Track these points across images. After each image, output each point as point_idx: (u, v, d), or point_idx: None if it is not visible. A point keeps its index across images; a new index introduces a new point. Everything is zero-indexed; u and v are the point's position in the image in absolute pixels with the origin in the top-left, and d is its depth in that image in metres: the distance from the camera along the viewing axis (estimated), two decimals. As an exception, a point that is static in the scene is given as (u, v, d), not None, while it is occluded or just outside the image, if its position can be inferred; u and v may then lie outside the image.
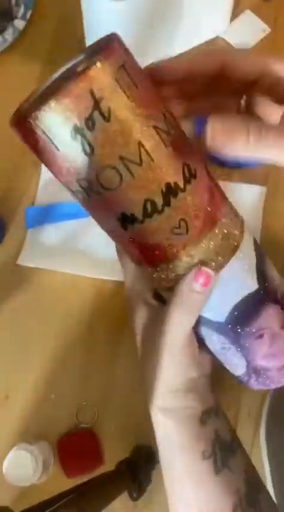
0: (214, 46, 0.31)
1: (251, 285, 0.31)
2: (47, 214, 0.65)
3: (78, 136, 0.25)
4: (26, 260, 0.64)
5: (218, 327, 0.32)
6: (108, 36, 0.28)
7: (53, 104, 0.24)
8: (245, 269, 0.31)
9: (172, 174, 0.27)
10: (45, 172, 0.67)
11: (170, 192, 0.27)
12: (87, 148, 0.25)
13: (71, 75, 0.25)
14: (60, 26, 0.75)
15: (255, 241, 0.33)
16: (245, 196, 0.64)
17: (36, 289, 0.63)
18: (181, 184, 0.28)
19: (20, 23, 0.73)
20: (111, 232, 0.31)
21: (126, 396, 0.60)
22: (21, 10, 0.73)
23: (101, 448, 0.58)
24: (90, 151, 0.25)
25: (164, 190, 0.27)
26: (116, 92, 0.25)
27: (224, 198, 0.32)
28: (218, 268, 0.30)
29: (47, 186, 0.67)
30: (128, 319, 0.37)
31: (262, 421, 0.58)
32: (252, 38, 0.74)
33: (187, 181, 0.28)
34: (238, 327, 0.32)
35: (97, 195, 0.27)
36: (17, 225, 0.66)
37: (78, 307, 0.63)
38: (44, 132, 0.25)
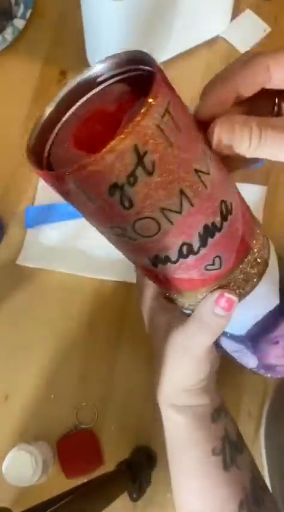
0: (252, 55, 0.27)
1: (274, 301, 0.31)
2: (47, 214, 0.65)
3: (117, 193, 0.23)
4: (25, 260, 0.64)
5: (236, 337, 0.33)
6: (146, 61, 0.24)
7: (91, 165, 0.21)
8: (270, 289, 0.30)
9: (210, 214, 0.26)
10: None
11: (208, 233, 0.26)
12: (126, 203, 0.23)
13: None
14: (59, 25, 0.75)
15: (277, 253, 0.32)
16: (246, 196, 0.64)
17: (35, 289, 0.63)
18: (218, 224, 0.26)
19: (19, 22, 0.73)
20: (136, 264, 0.29)
21: (126, 396, 0.60)
22: (21, 9, 0.73)
23: (101, 449, 0.58)
24: (129, 205, 0.23)
25: (202, 232, 0.26)
26: (161, 142, 0.22)
27: (254, 220, 0.30)
28: (245, 294, 0.29)
29: (46, 186, 0.67)
30: (145, 320, 0.37)
31: (262, 421, 0.58)
32: (252, 38, 0.74)
33: (224, 219, 0.26)
34: (256, 337, 0.32)
35: (131, 240, 0.26)
36: (17, 224, 0.65)
37: (77, 307, 0.63)
38: (78, 187, 0.23)
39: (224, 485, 0.34)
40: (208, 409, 0.35)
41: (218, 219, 0.26)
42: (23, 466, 0.52)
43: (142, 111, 0.21)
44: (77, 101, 0.26)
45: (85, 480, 0.51)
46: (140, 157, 0.22)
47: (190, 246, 0.26)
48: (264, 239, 0.30)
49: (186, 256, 0.26)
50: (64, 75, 0.72)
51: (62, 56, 0.73)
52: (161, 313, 0.35)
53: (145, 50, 0.25)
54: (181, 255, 0.26)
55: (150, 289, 0.35)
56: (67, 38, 0.74)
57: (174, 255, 0.26)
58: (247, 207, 0.30)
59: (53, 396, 0.60)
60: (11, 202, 0.66)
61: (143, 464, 0.56)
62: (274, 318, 0.31)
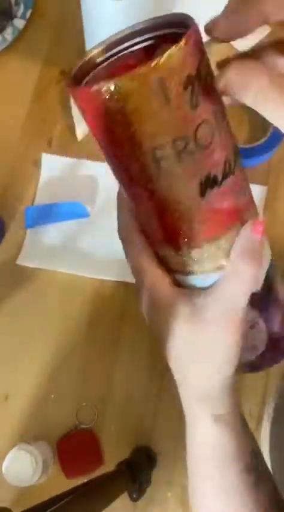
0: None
1: (270, 253, 0.34)
2: (47, 214, 0.65)
3: (190, 87, 0.24)
4: (25, 260, 0.64)
5: (252, 299, 0.31)
6: (183, 19, 0.29)
7: (181, 43, 0.23)
8: (266, 239, 0.33)
9: (233, 138, 0.29)
10: (45, 172, 0.67)
11: (236, 155, 0.29)
12: (194, 100, 0.24)
13: (180, 25, 0.27)
14: (59, 25, 0.75)
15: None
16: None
17: (35, 289, 0.63)
18: (236, 149, 0.29)
19: (19, 22, 0.73)
20: (170, 211, 0.29)
21: (126, 396, 0.60)
22: (21, 9, 0.73)
23: (101, 449, 0.58)
24: (196, 104, 0.24)
25: (234, 150, 0.29)
26: (206, 53, 0.26)
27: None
28: None
29: (46, 186, 0.67)
30: (145, 312, 0.34)
31: (264, 421, 0.58)
32: (252, 37, 0.74)
33: (236, 154, 0.30)
34: (265, 298, 0.33)
35: (189, 156, 0.26)
36: (17, 224, 0.65)
37: (77, 307, 0.63)
38: (160, 80, 0.23)
39: (252, 503, 0.32)
40: (240, 415, 0.33)
41: (235, 147, 0.29)
42: (23, 466, 0.52)
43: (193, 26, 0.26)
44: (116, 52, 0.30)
45: (85, 480, 0.51)
46: (203, 54, 0.25)
47: (229, 163, 0.28)
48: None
49: (227, 176, 0.28)
50: (64, 75, 0.72)
51: (62, 56, 0.73)
52: (171, 289, 0.31)
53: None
54: (224, 174, 0.28)
55: (151, 272, 0.31)
56: (67, 38, 0.74)
57: (220, 174, 0.28)
58: None
59: (53, 396, 0.60)
60: (11, 202, 0.66)
61: (143, 464, 0.56)
62: (272, 274, 0.33)
